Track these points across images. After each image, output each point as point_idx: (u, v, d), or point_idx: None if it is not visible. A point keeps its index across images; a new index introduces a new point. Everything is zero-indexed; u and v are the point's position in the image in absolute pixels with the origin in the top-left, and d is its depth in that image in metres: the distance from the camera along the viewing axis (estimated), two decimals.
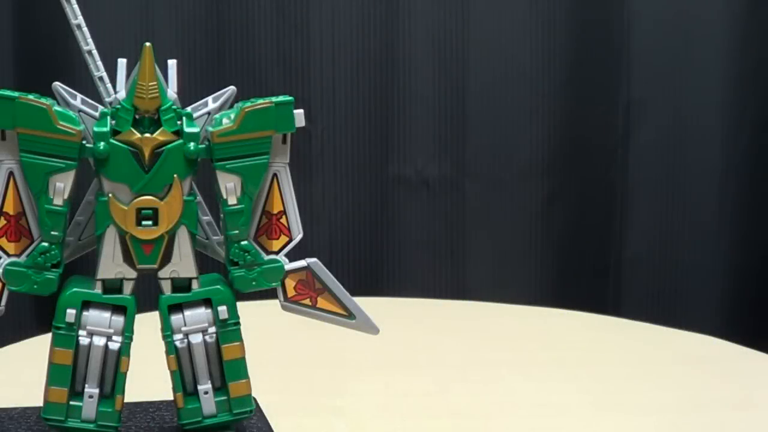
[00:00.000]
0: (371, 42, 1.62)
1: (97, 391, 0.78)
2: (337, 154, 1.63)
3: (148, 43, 0.77)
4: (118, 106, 0.77)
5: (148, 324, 0.83)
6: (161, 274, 0.79)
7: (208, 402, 0.80)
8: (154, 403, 0.90)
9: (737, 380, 1.10)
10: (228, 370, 0.80)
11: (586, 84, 1.67)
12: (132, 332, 0.79)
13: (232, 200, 0.78)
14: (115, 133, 0.77)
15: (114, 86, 0.78)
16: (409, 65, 1.64)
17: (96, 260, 0.79)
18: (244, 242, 0.80)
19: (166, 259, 0.79)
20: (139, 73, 0.76)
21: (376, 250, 1.66)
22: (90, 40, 0.78)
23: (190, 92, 0.85)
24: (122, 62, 0.78)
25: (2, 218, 0.77)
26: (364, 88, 1.62)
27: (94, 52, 0.78)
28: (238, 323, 0.80)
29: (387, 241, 1.66)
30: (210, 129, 0.78)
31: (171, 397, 0.81)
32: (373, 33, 1.61)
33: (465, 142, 1.67)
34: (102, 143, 0.76)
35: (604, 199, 1.70)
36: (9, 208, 0.77)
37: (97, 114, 0.78)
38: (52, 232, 0.77)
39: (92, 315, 0.78)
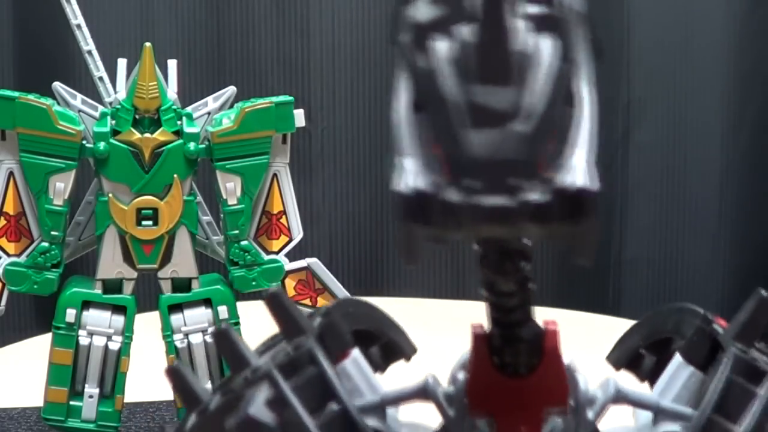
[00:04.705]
0: (371, 42, 1.61)
1: (97, 391, 0.78)
2: (337, 154, 1.63)
3: (148, 43, 0.77)
4: (118, 106, 0.77)
5: (148, 324, 0.83)
6: (161, 274, 0.79)
7: None
8: (154, 403, 0.90)
9: None
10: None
11: None
12: (132, 332, 0.79)
13: (232, 200, 0.79)
14: (115, 133, 0.77)
15: (114, 86, 0.78)
16: None
17: (96, 260, 0.79)
18: (244, 242, 0.80)
19: (166, 259, 0.79)
20: (139, 73, 0.76)
21: (376, 250, 1.66)
22: (90, 40, 0.78)
23: (190, 92, 0.85)
24: (122, 62, 0.79)
25: (2, 218, 0.77)
26: (364, 88, 1.62)
27: (94, 52, 0.78)
28: (238, 323, 0.80)
29: (387, 241, 1.66)
30: (210, 129, 0.78)
31: (171, 397, 0.81)
32: (373, 33, 1.61)
33: None
34: (102, 143, 0.76)
35: (604, 199, 1.70)
36: (9, 208, 0.77)
37: (97, 114, 0.78)
38: (52, 232, 0.77)
39: (92, 315, 0.78)
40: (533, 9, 0.31)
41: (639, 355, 0.48)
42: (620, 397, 0.43)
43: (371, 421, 0.41)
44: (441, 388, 0.42)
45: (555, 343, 0.40)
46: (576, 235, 0.32)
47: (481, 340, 0.41)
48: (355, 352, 0.43)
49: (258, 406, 0.37)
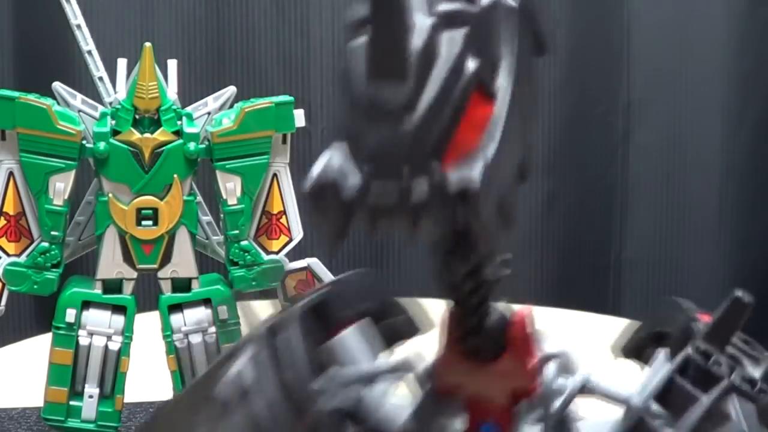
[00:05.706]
0: None
1: (97, 391, 0.78)
2: None
3: (148, 43, 0.77)
4: (118, 106, 0.77)
5: (148, 324, 0.83)
6: (161, 274, 0.79)
7: None
8: (154, 403, 0.90)
9: None
10: None
11: (586, 84, 1.67)
12: (132, 332, 0.79)
13: (232, 200, 0.79)
14: (115, 133, 0.77)
15: (114, 86, 0.78)
16: None
17: (96, 260, 0.79)
18: (244, 242, 0.80)
19: (166, 259, 0.79)
20: (139, 73, 0.76)
21: (376, 250, 1.66)
22: (90, 40, 0.78)
23: (190, 92, 0.85)
24: (122, 62, 0.79)
25: (2, 218, 0.77)
26: None
27: (94, 52, 0.78)
28: (238, 323, 0.80)
29: (387, 241, 1.66)
30: (210, 129, 0.78)
31: (171, 397, 0.81)
32: None
33: None
34: (102, 143, 0.76)
35: (604, 199, 1.70)
36: (9, 208, 0.77)
37: (97, 114, 0.78)
38: (52, 232, 0.77)
39: (92, 315, 0.78)
40: (445, 6, 0.31)
41: (642, 345, 0.49)
42: (588, 389, 0.43)
43: (352, 392, 0.43)
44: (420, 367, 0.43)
45: (521, 333, 0.41)
46: (469, 227, 0.32)
47: (453, 321, 0.41)
48: (357, 325, 0.45)
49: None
